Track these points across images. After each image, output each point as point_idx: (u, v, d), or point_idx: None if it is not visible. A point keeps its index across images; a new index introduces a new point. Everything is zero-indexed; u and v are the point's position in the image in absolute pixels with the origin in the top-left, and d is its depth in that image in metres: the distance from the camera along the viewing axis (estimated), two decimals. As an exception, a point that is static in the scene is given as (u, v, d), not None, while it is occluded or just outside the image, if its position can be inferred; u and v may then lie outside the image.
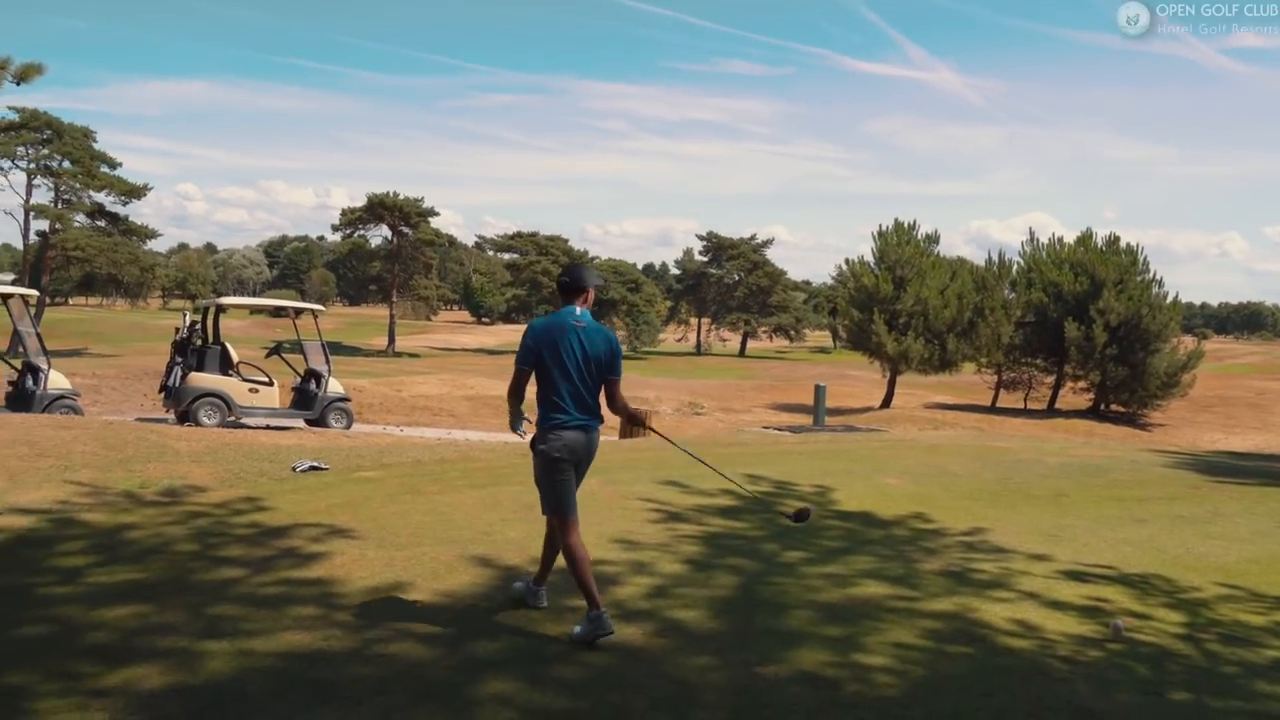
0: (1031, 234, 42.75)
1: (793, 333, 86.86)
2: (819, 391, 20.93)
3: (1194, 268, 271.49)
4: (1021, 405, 40.46)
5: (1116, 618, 5.18)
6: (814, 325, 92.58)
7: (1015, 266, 40.95)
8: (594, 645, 4.42)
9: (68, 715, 3.54)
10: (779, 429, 17.04)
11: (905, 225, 40.15)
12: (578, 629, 4.53)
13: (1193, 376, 38.51)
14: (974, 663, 4.51)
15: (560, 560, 4.78)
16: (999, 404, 40.53)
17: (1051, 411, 38.81)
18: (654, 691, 3.97)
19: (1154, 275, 39.09)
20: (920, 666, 4.42)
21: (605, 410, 4.83)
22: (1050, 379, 40.82)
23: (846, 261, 42.32)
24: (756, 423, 26.80)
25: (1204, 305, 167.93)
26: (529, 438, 4.83)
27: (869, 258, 40.43)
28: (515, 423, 4.85)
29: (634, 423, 5.32)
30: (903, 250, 39.20)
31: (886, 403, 38.86)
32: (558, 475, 4.65)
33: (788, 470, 9.80)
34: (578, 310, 4.79)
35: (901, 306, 38.06)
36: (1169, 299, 38.72)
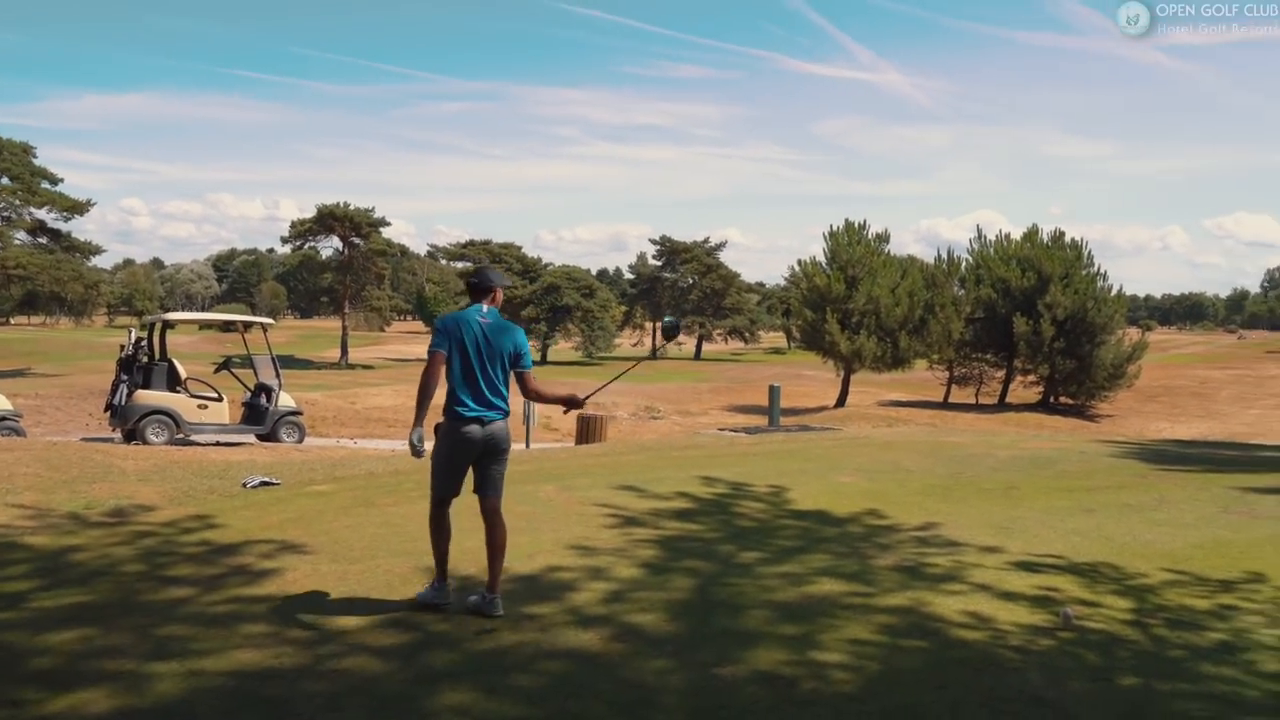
0: (979, 231, 43.55)
1: (747, 335, 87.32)
2: (773, 392, 21.04)
3: (1137, 261, 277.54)
4: (973, 400, 41.07)
5: (1066, 606, 5.27)
6: (768, 326, 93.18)
7: (964, 264, 41.59)
8: (482, 621, 4.86)
9: (10, 744, 3.45)
10: (735, 430, 17.12)
11: (856, 225, 40.59)
12: (421, 591, 5.12)
13: (1138, 367, 39.34)
14: (928, 656, 4.56)
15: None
16: (951, 399, 41.10)
17: (1002, 406, 39.43)
18: (612, 696, 3.97)
19: (1099, 269, 39.96)
20: (876, 661, 4.45)
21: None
22: (1000, 373, 41.48)
23: (799, 262, 42.70)
24: (713, 425, 26.90)
25: (1148, 297, 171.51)
26: (425, 458, 5.00)
27: (821, 258, 40.86)
28: (415, 433, 4.91)
29: (569, 405, 5.39)
30: (854, 250, 39.60)
31: (841, 401, 39.20)
32: (450, 461, 4.98)
33: (743, 471, 9.84)
34: (484, 308, 5.04)
35: (854, 305, 38.44)
36: (1114, 292, 39.55)
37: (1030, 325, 37.53)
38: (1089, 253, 39.80)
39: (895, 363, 39.53)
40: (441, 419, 4.99)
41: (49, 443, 11.52)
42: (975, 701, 4.03)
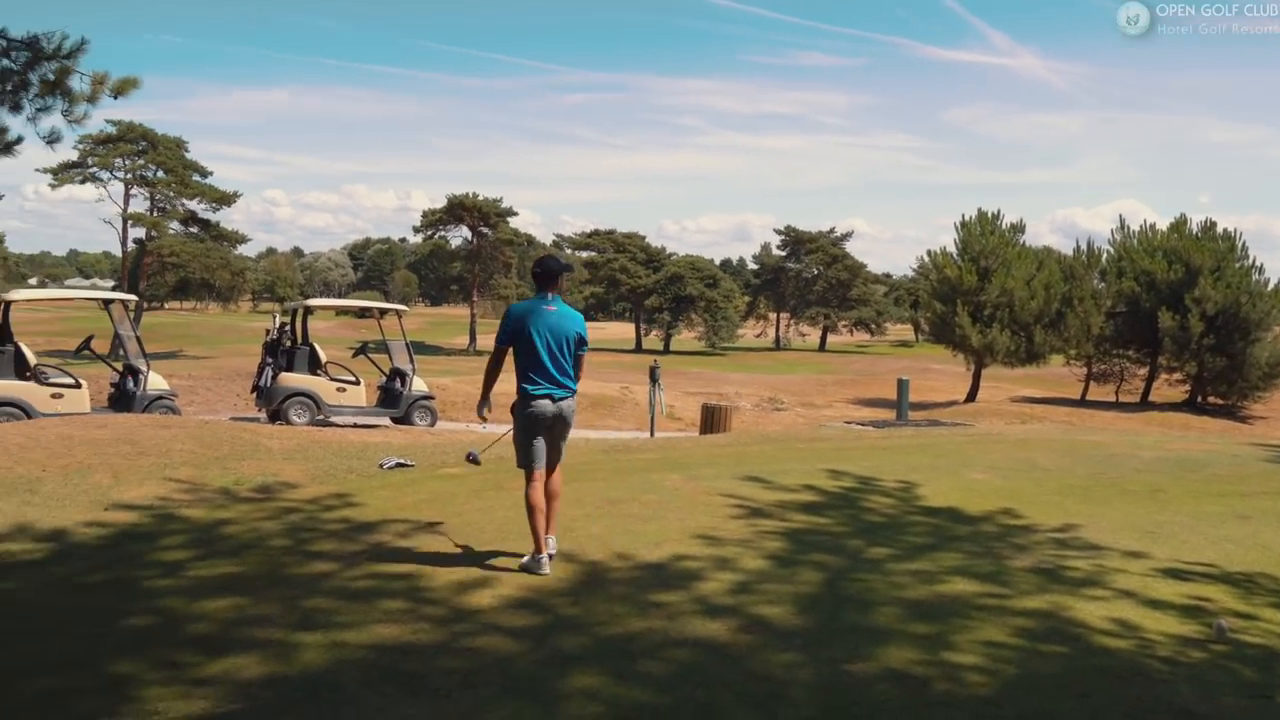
0: (1122, 221, 41.31)
1: (874, 326, 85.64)
2: (902, 385, 20.59)
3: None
4: (1113, 398, 39.30)
5: (1220, 618, 4.99)
6: (895, 319, 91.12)
7: (1105, 255, 39.73)
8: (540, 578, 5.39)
9: (172, 703, 3.66)
10: (861, 424, 16.83)
11: (989, 215, 39.26)
12: (525, 559, 5.53)
13: (1297, 366, 36.90)
14: (1069, 662, 4.39)
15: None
16: (1089, 397, 39.43)
17: (1145, 404, 37.63)
18: (740, 687, 3.95)
19: (1253, 261, 37.54)
20: (1012, 665, 4.32)
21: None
22: (1143, 371, 39.53)
23: (928, 253, 41.61)
24: (838, 418, 26.51)
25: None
26: (487, 427, 5.82)
27: (951, 249, 39.64)
28: (481, 405, 5.90)
29: None
30: (987, 240, 38.33)
31: (971, 396, 38.09)
32: (529, 435, 5.54)
33: (871, 465, 9.67)
34: (549, 296, 5.58)
35: (986, 298, 37.23)
36: (1270, 286, 37.18)
37: (1177, 320, 35.65)
38: (1243, 244, 37.51)
39: (1029, 358, 38.13)
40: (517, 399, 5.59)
41: (201, 421, 12.16)
42: (1119, 712, 3.86)
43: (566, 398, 5.59)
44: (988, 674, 4.21)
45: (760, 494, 8.04)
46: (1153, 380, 39.10)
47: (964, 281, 37.51)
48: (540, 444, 5.56)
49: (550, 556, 5.54)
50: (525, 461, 5.57)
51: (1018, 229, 39.53)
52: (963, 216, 39.56)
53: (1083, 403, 37.30)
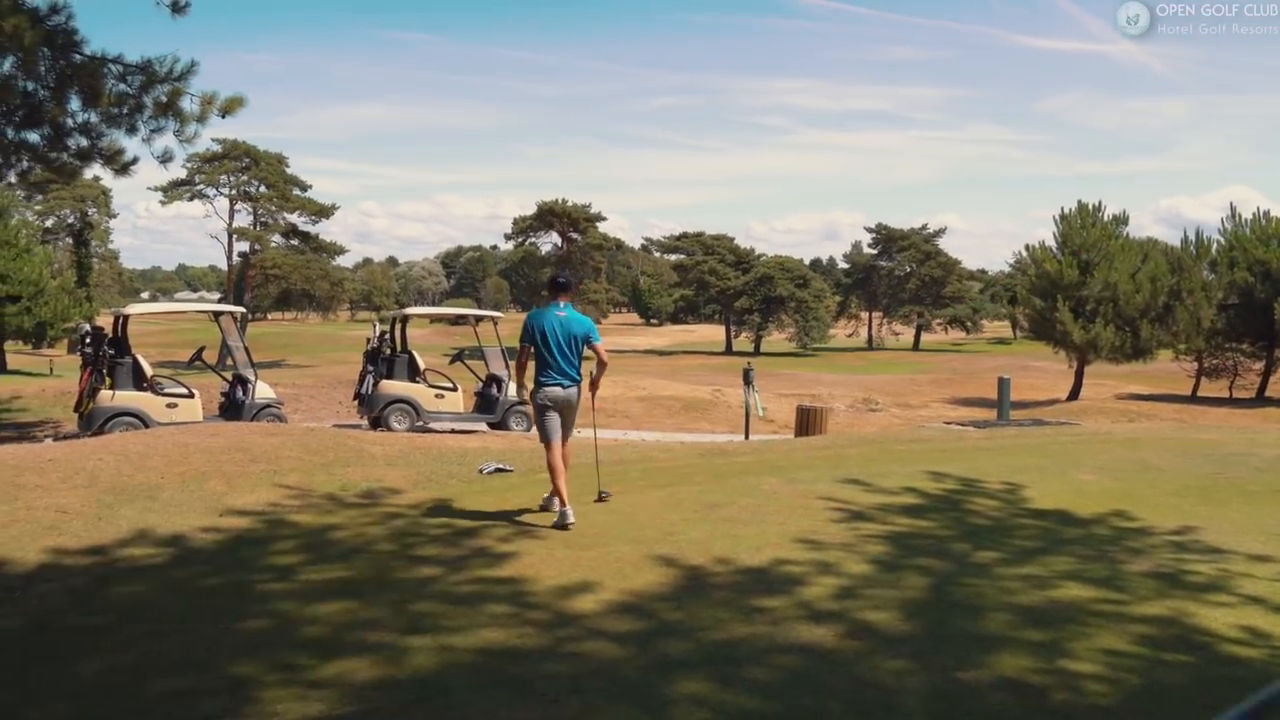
0: (1233, 209, 39.45)
1: (969, 324, 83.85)
2: (1003, 384, 20.07)
3: None
4: (1226, 394, 37.67)
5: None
6: (991, 315, 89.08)
7: (1215, 245, 38.12)
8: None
9: (290, 704, 3.76)
10: (961, 424, 16.46)
11: (1090, 207, 38.04)
12: (555, 508, 6.85)
13: None
14: (1196, 672, 4.21)
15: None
16: (1200, 393, 37.85)
17: (1261, 400, 35.95)
18: (849, 695, 3.89)
19: (1380, 248, 35.57)
20: (1135, 675, 4.15)
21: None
22: (1258, 365, 37.78)
23: (1026, 248, 40.44)
24: (934, 418, 25.97)
25: None
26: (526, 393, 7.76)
27: (1050, 242, 38.55)
28: (519, 390, 7.95)
29: (591, 384, 7.38)
30: (1088, 233, 37.15)
31: (1074, 394, 36.93)
32: (545, 415, 6.98)
33: (974, 467, 9.44)
34: (561, 304, 7.01)
35: (1088, 292, 36.09)
36: (1398, 274, 35.17)
37: (1294, 313, 34.01)
38: (1369, 230, 35.63)
39: (1136, 353, 36.82)
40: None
41: (307, 429, 12.51)
42: (1253, 724, 3.68)
43: (571, 386, 6.98)
44: (1109, 683, 4.05)
45: (860, 497, 7.92)
46: (1269, 375, 37.33)
47: (1065, 276, 36.42)
48: (555, 420, 6.96)
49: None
50: (544, 437, 6.99)
51: (1120, 221, 38.25)
52: (1062, 209, 38.45)
53: (1193, 399, 35.84)
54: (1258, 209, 39.96)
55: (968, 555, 6.17)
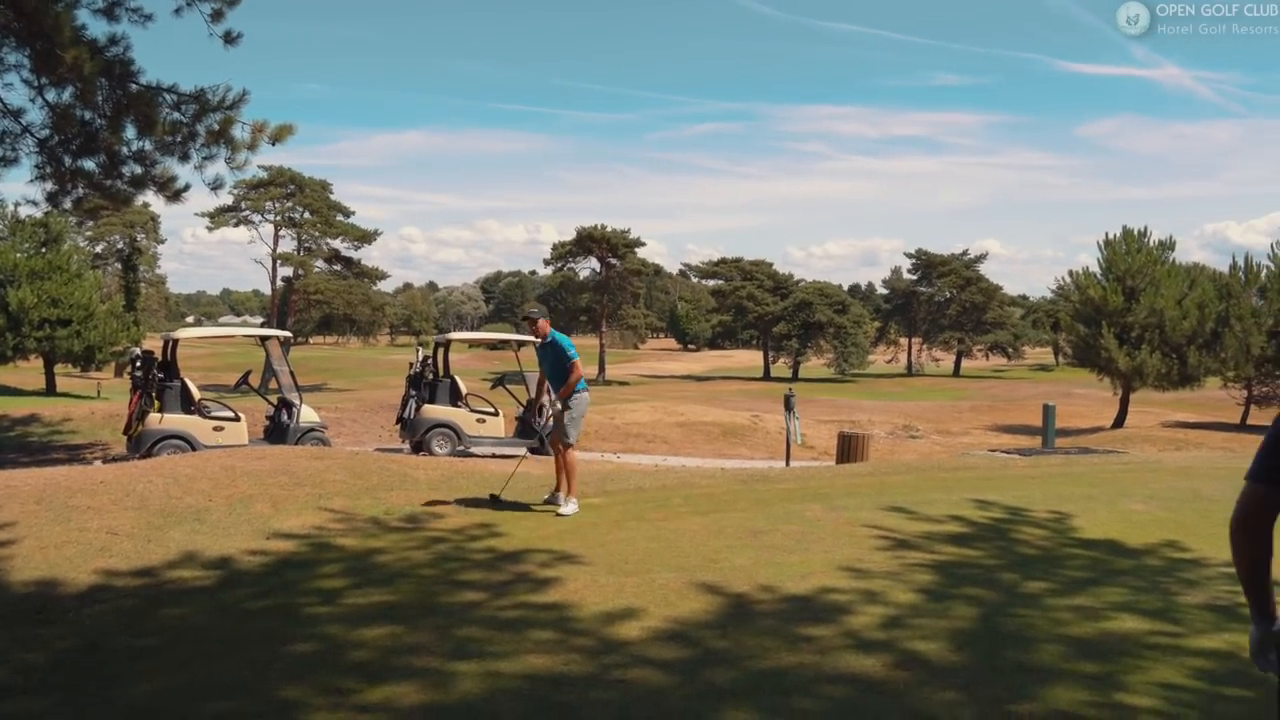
0: (1282, 234, 38.94)
1: (1010, 350, 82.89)
2: (1048, 411, 19.83)
3: None
4: (1277, 422, 36.83)
5: None
6: (1033, 342, 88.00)
7: (1265, 271, 37.48)
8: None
9: (339, 729, 3.78)
10: (1006, 451, 16.25)
11: (1135, 232, 37.60)
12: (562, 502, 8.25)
13: None
14: (1255, 707, 4.10)
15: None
16: (1249, 421, 37.09)
17: (1314, 429, 35.14)
18: (899, 727, 3.83)
19: None
20: (1193, 710, 4.06)
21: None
22: (1311, 393, 36.99)
23: (1070, 273, 40.03)
24: (976, 445, 25.67)
25: None
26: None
27: (1094, 268, 38.12)
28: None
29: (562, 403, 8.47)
30: (1133, 259, 36.69)
31: (1119, 422, 36.36)
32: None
33: (1020, 495, 9.31)
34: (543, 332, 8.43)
35: (1133, 319, 35.59)
36: None
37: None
38: None
39: (1183, 380, 36.23)
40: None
41: (351, 453, 12.61)
42: (1319, 763, 3.57)
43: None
44: (1166, 717, 3.97)
45: (905, 525, 7.83)
46: (1321, 403, 36.51)
47: (1109, 302, 35.98)
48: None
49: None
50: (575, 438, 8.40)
51: (1166, 246, 37.74)
52: (1106, 235, 38.05)
53: (1243, 427, 35.11)
54: (1308, 234, 39.22)
55: (1017, 585, 6.08)
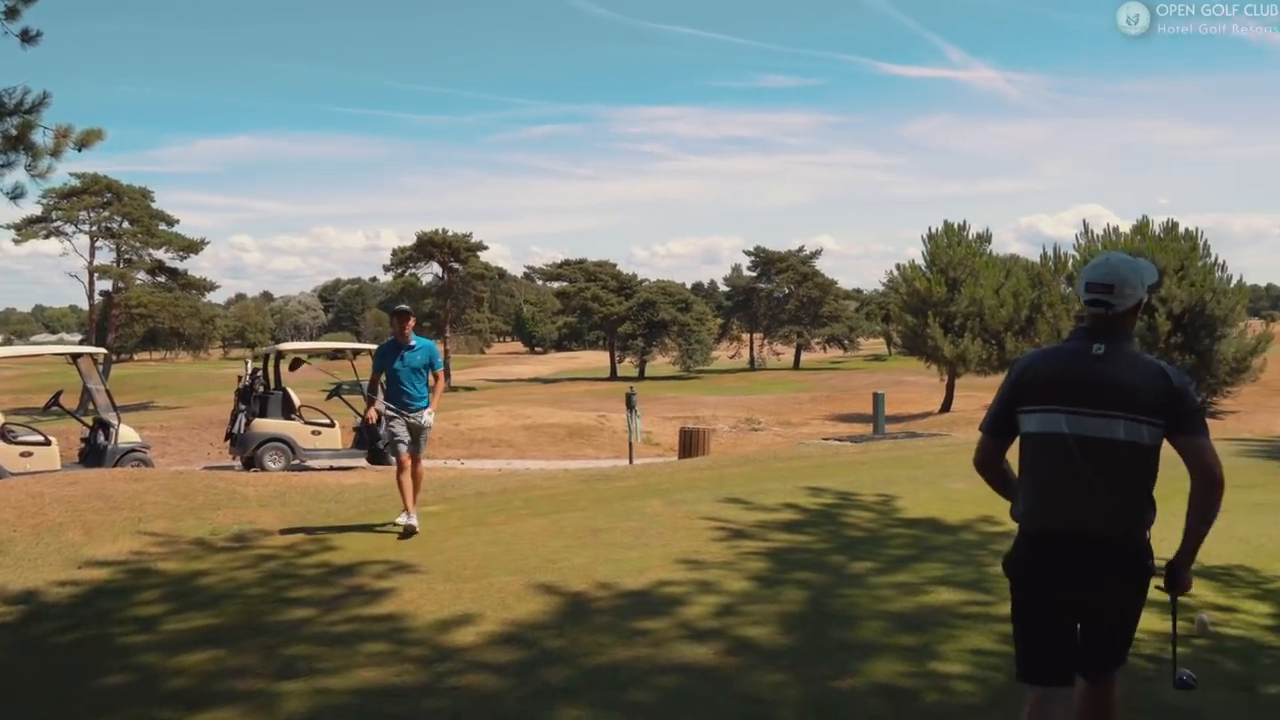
0: (1085, 226, 41.69)
1: (846, 342, 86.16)
2: (877, 400, 20.72)
3: (1257, 249, 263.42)
4: (1087, 401, 39.59)
5: (1201, 612, 5.01)
6: (867, 333, 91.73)
7: (1071, 260, 40.22)
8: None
9: (152, 761, 3.59)
10: (839, 440, 16.90)
11: (955, 226, 39.78)
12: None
13: (1263, 360, 37.41)
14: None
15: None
16: (1063, 401, 39.70)
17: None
18: (728, 710, 3.93)
19: (1216, 259, 38.11)
20: (1000, 672, 4.31)
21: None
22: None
23: (897, 267, 42.01)
24: (816, 435, 26.57)
25: (1269, 287, 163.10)
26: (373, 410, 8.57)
27: (920, 261, 40.12)
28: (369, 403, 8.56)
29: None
30: (954, 251, 38.81)
31: (946, 406, 38.35)
32: (396, 433, 7.70)
33: (850, 481, 9.69)
34: (408, 334, 7.80)
35: (956, 308, 37.63)
36: (1233, 282, 37.72)
37: (1145, 320, 36.08)
38: (1205, 243, 38.10)
39: (1002, 365, 38.49)
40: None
41: (175, 473, 12.01)
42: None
43: (420, 409, 7.80)
44: (976, 682, 4.21)
45: (741, 515, 8.03)
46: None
47: (934, 293, 37.89)
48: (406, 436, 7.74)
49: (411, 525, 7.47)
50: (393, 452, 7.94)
51: (984, 239, 40.07)
52: (929, 229, 40.13)
53: (1057, 407, 37.49)
54: (1107, 225, 42.39)
55: (844, 567, 6.33)
